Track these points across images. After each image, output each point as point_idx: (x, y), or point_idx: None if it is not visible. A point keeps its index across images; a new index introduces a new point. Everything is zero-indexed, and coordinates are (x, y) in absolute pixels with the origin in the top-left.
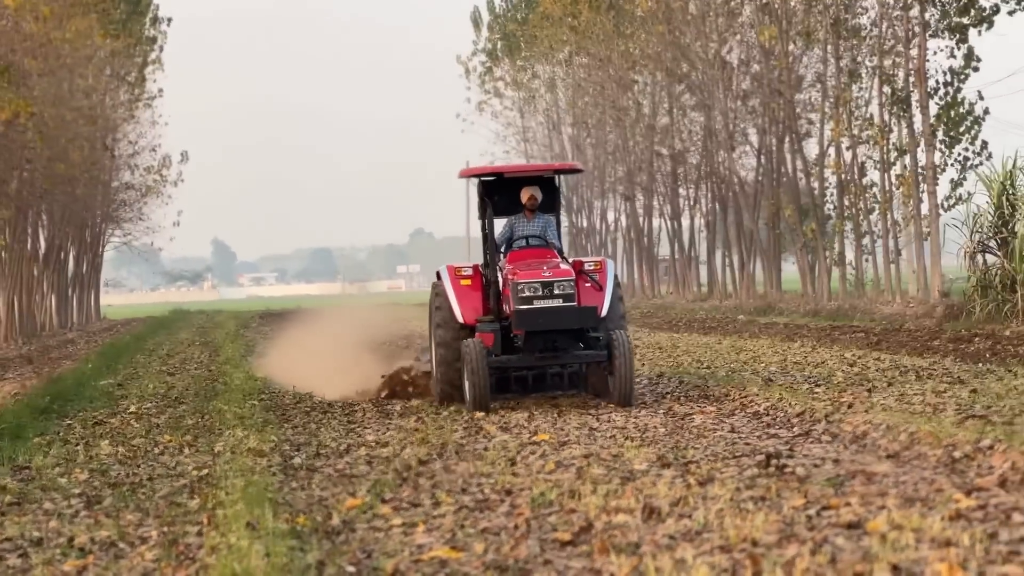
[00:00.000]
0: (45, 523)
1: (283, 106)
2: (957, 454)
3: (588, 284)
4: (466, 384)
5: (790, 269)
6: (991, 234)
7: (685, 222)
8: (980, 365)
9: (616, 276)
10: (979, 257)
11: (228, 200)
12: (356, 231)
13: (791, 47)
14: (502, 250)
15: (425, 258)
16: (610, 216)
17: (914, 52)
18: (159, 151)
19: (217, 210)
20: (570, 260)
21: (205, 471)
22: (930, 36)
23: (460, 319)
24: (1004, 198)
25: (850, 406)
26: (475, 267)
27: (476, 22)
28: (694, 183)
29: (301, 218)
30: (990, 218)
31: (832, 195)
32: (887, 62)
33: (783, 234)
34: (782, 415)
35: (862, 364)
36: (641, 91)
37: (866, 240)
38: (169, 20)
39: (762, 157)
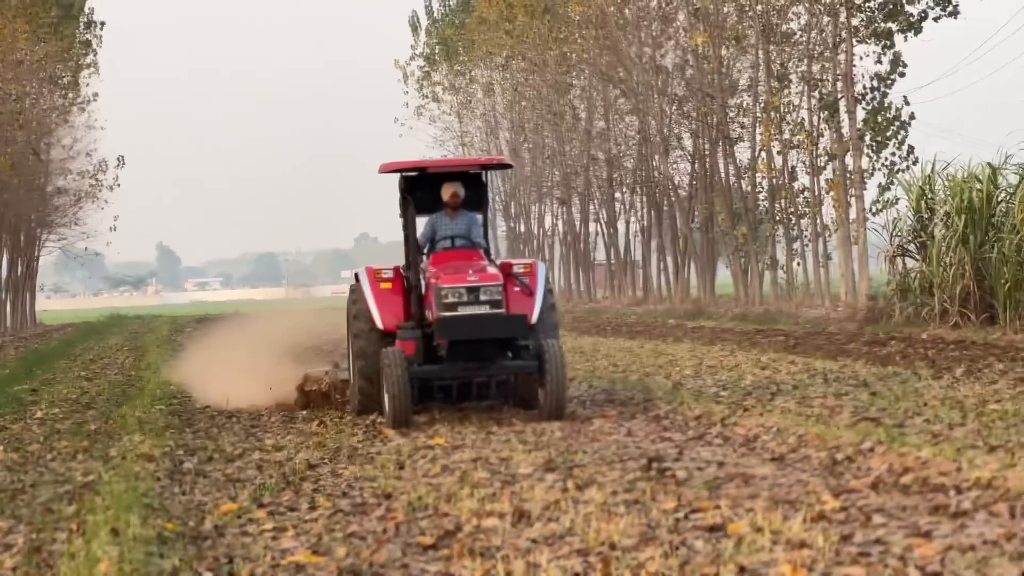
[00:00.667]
0: None
1: (226, 111)
2: (839, 456)
3: (517, 289)
4: (385, 397)
5: (726, 273)
6: (910, 238)
7: (621, 227)
8: (888, 368)
9: (548, 280)
10: (899, 261)
11: (173, 205)
12: (302, 236)
13: (724, 52)
14: (424, 251)
15: (370, 262)
16: (547, 221)
17: (841, 57)
18: (95, 155)
19: (162, 215)
20: (498, 262)
21: (91, 477)
22: (857, 42)
23: (380, 325)
24: (923, 202)
25: (746, 409)
26: (396, 269)
27: (414, 26)
28: (629, 188)
29: (247, 223)
30: (910, 222)
31: (764, 199)
32: (815, 67)
33: (716, 238)
34: (680, 419)
35: (774, 368)
36: (577, 95)
37: (797, 244)
38: (102, 24)
39: (695, 162)
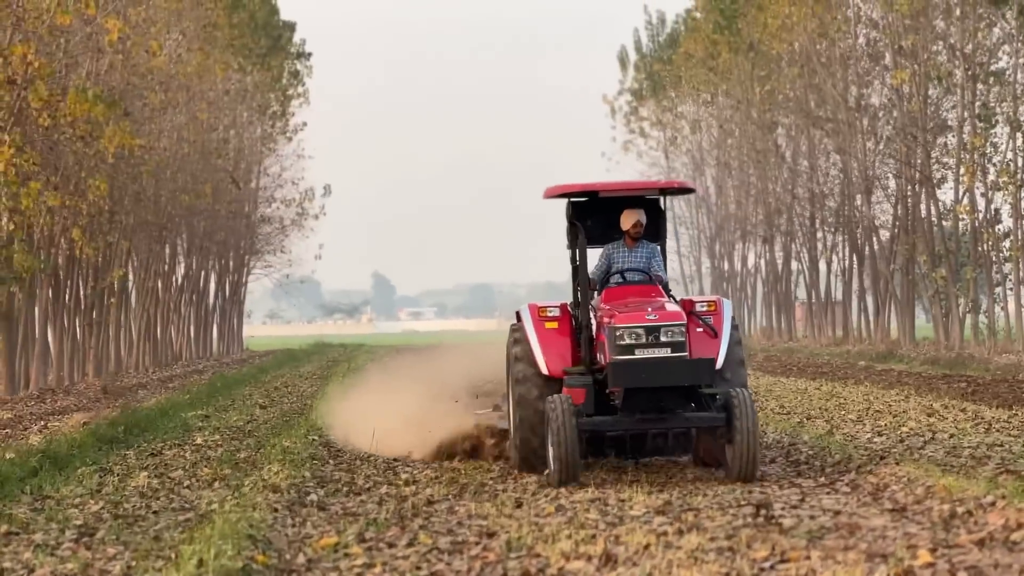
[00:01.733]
0: (21, 555)
1: (435, 147)
2: (960, 509)
3: (701, 329)
4: (550, 452)
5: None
6: None
7: (822, 266)
8: None
9: (734, 319)
10: None
11: (390, 234)
12: (517, 268)
13: (931, 91)
14: (597, 288)
15: None
16: (751, 260)
17: None
18: (301, 184)
19: (379, 244)
20: (678, 299)
21: (215, 505)
22: None
23: (544, 370)
24: None
25: (882, 457)
26: (563, 306)
27: (623, 61)
28: (832, 228)
29: (462, 254)
30: None
31: (967, 242)
32: (1022, 108)
33: (916, 280)
34: (818, 463)
35: (941, 415)
36: (782, 134)
37: (999, 289)
38: (310, 55)
39: (898, 203)
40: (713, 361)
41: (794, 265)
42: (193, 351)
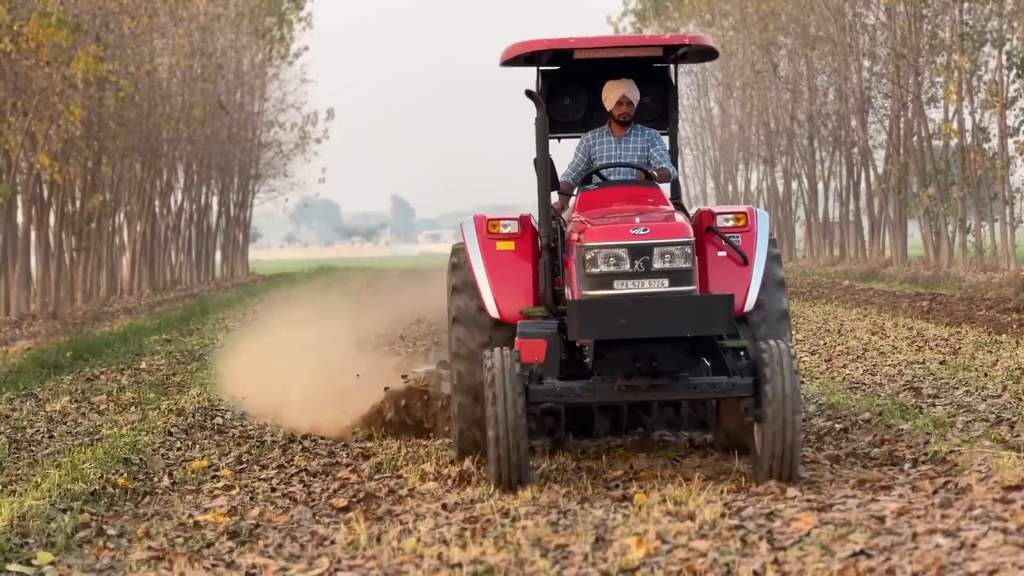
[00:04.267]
0: None
1: (462, 69)
2: (838, 427)
3: (722, 253)
4: (488, 435)
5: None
6: None
7: (820, 188)
8: (991, 335)
9: (773, 238)
10: None
11: (408, 156)
12: (535, 190)
13: (924, 11)
14: (574, 191)
15: None
16: (753, 183)
17: None
18: (303, 108)
19: (398, 167)
20: (693, 210)
21: (115, 429)
22: None
23: (493, 311)
24: None
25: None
26: (524, 220)
27: None
28: (829, 149)
29: (483, 176)
30: None
31: (956, 162)
32: (1005, 26)
33: (907, 200)
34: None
35: (885, 333)
36: (783, 55)
37: (986, 208)
38: None
39: (891, 125)
40: (731, 299)
41: (793, 186)
42: (194, 275)
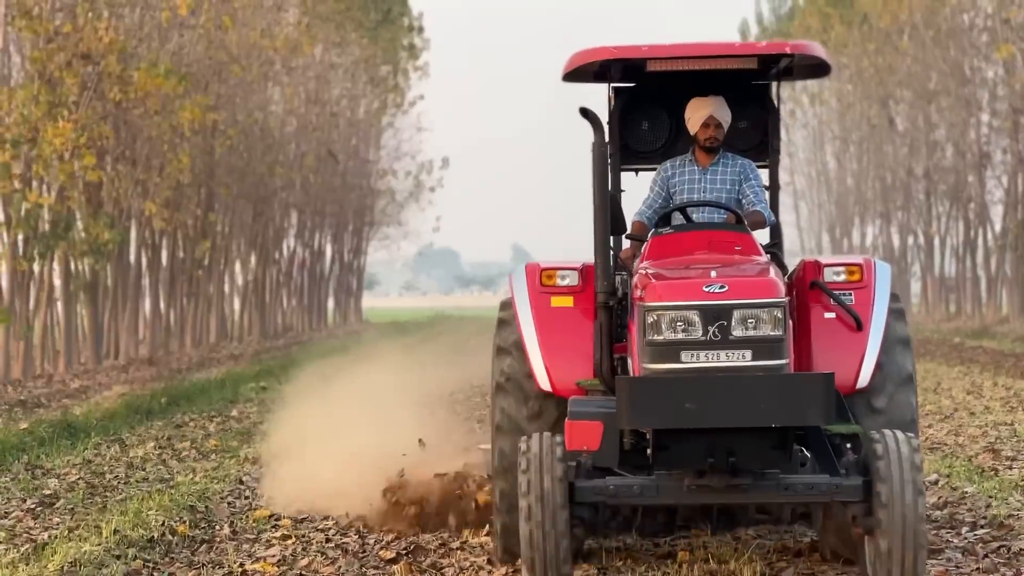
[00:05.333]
0: None
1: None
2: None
3: (830, 315)
4: (520, 531)
5: None
6: None
7: (937, 243)
8: None
9: (896, 298)
10: None
11: (528, 205)
12: None
13: None
14: (648, 234)
15: None
16: (868, 238)
17: None
18: (418, 157)
19: (517, 214)
20: (796, 260)
21: (190, 476)
22: None
23: (543, 382)
24: None
25: None
26: (587, 269)
27: (744, 33)
28: (947, 205)
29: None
30: None
31: None
32: None
33: None
34: None
35: (980, 393)
36: (900, 110)
37: None
38: (421, 28)
39: (1009, 180)
40: (830, 379)
41: (909, 241)
42: (306, 321)
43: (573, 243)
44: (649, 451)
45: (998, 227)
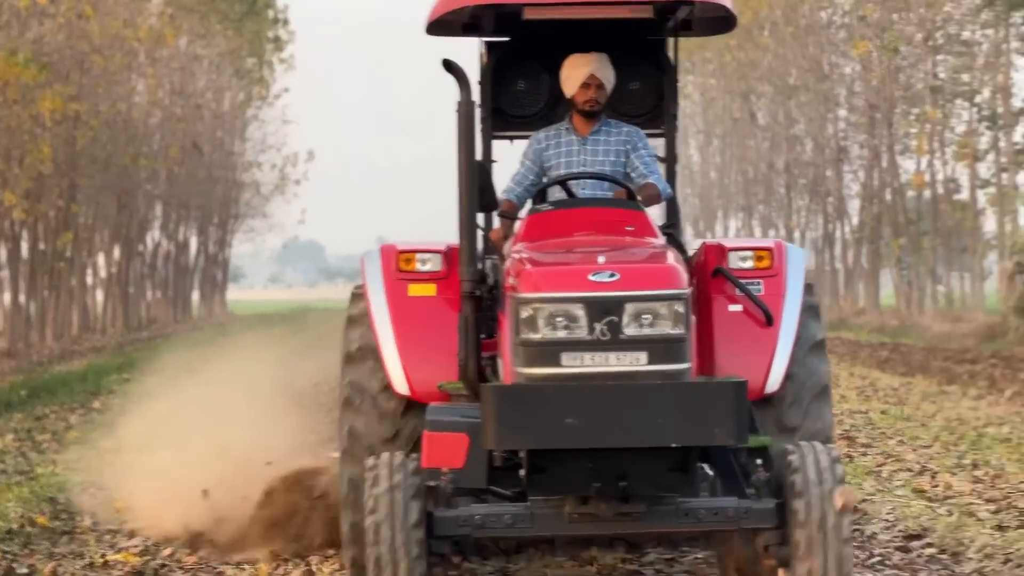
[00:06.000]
0: None
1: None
2: None
3: (736, 307)
4: (368, 558)
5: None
6: None
7: (797, 236)
8: (951, 386)
9: (810, 287)
10: (1018, 278)
11: (392, 198)
12: None
13: (898, 61)
14: (519, 213)
15: None
16: (731, 231)
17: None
18: (283, 149)
19: (382, 207)
20: (693, 245)
21: (51, 467)
22: (1019, 54)
23: (402, 387)
24: None
25: None
26: (452, 252)
27: None
28: (806, 199)
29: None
30: None
31: (927, 212)
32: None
33: (880, 250)
34: None
35: (837, 383)
36: (762, 104)
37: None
38: (285, 21)
39: (864, 174)
40: (742, 389)
41: (771, 235)
42: (170, 314)
43: (437, 229)
44: (523, 472)
45: (855, 221)
